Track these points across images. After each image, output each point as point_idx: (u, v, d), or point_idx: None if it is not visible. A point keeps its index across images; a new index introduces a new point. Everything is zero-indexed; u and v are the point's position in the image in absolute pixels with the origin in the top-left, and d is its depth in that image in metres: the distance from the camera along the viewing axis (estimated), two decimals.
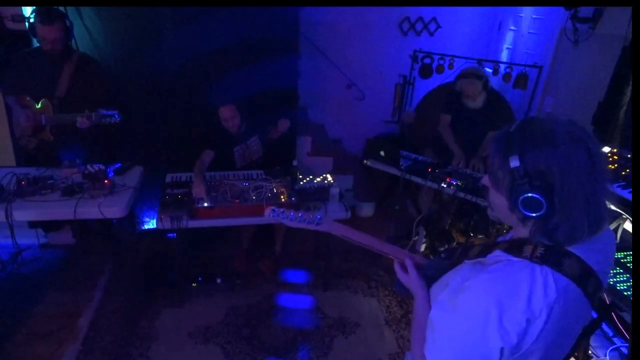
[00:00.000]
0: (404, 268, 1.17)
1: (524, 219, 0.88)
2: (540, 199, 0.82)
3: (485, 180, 0.96)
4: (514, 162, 0.84)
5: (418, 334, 1.02)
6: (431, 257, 3.27)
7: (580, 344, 2.19)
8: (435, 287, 1.08)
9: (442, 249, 3.33)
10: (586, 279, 0.86)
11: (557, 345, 0.89)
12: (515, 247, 0.90)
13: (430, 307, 1.02)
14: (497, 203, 0.94)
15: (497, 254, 0.92)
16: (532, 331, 0.83)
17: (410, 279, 1.14)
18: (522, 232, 0.92)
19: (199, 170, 2.78)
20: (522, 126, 0.87)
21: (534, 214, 0.84)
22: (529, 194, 0.83)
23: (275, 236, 3.24)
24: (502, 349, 0.83)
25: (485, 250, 0.96)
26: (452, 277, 0.99)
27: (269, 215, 1.26)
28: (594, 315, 2.21)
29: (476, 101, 3.14)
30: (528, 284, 0.83)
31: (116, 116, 2.58)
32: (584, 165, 0.81)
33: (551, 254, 0.85)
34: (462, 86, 3.11)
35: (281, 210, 1.25)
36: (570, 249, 0.86)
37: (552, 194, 0.81)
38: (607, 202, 0.89)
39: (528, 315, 0.82)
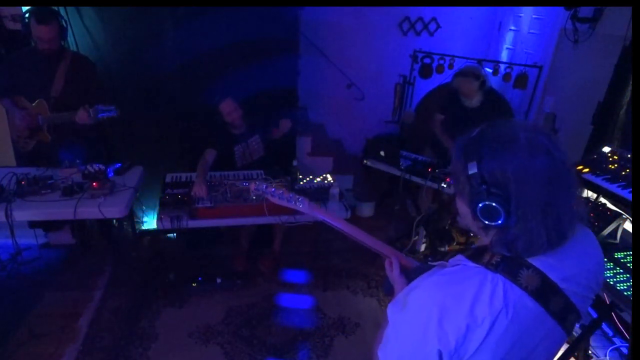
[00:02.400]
0: (392, 266, 1.16)
1: (485, 228, 0.85)
2: (497, 207, 0.79)
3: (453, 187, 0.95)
4: (472, 169, 0.81)
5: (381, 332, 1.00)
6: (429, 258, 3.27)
7: (580, 344, 2.19)
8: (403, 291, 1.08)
9: (442, 249, 3.34)
10: (547, 294, 0.82)
11: None
12: (477, 254, 0.87)
13: None
14: (462, 210, 0.91)
15: (458, 258, 0.90)
16: (473, 339, 0.79)
17: (393, 276, 1.13)
18: (486, 240, 0.89)
19: (202, 171, 2.78)
20: (483, 132, 0.84)
21: (492, 223, 0.81)
22: (486, 202, 0.80)
23: (274, 235, 3.24)
24: (440, 353, 0.80)
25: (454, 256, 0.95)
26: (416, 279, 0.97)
27: (254, 188, 1.29)
28: (594, 315, 2.21)
29: (473, 100, 3.14)
30: (475, 290, 0.80)
31: (113, 111, 2.57)
32: (543, 174, 0.78)
33: (509, 263, 0.82)
34: (459, 84, 3.12)
35: (264, 185, 1.28)
36: (532, 261, 0.82)
37: (508, 202, 0.78)
38: (575, 214, 0.84)
39: (468, 321, 0.78)
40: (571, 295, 0.84)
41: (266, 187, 1.27)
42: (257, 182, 1.33)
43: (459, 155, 0.86)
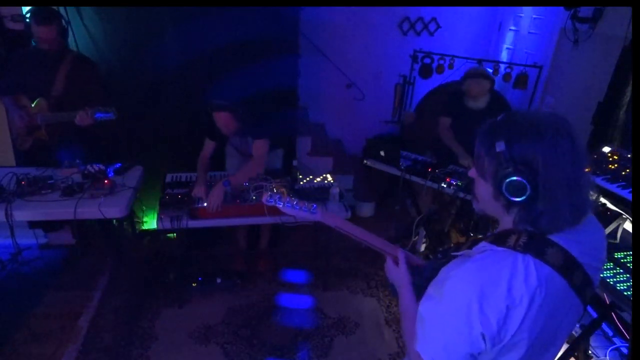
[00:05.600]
0: (396, 263, 1.18)
1: (509, 206, 0.89)
2: (524, 182, 0.84)
3: (472, 172, 0.98)
4: (500, 147, 0.86)
5: (409, 330, 1.01)
6: (430, 257, 3.27)
7: (580, 344, 2.19)
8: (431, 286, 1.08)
9: (441, 249, 3.33)
10: (571, 269, 0.87)
11: (544, 340, 0.89)
12: (500, 238, 0.91)
13: (416, 300, 1.03)
14: (482, 192, 0.95)
15: (483, 244, 0.93)
16: (513, 319, 0.83)
17: (399, 272, 1.16)
18: (508, 223, 0.93)
19: (202, 170, 2.77)
20: (508, 116, 0.90)
21: (518, 199, 0.85)
22: (513, 177, 0.84)
23: (260, 233, 3.22)
24: (482, 335, 0.84)
25: (473, 245, 0.98)
26: (441, 272, 1.00)
27: (266, 200, 1.27)
28: (594, 315, 2.21)
29: (479, 102, 3.11)
30: (509, 271, 0.84)
31: (112, 115, 2.55)
32: (568, 154, 0.84)
33: (534, 243, 0.86)
34: (470, 86, 3.08)
35: (277, 195, 1.27)
36: (553, 238, 0.88)
37: (536, 178, 0.83)
38: (589, 193, 0.91)
39: (508, 302, 0.82)
40: (587, 269, 0.90)
41: (279, 197, 1.27)
42: (269, 193, 1.32)
43: (485, 137, 0.91)
